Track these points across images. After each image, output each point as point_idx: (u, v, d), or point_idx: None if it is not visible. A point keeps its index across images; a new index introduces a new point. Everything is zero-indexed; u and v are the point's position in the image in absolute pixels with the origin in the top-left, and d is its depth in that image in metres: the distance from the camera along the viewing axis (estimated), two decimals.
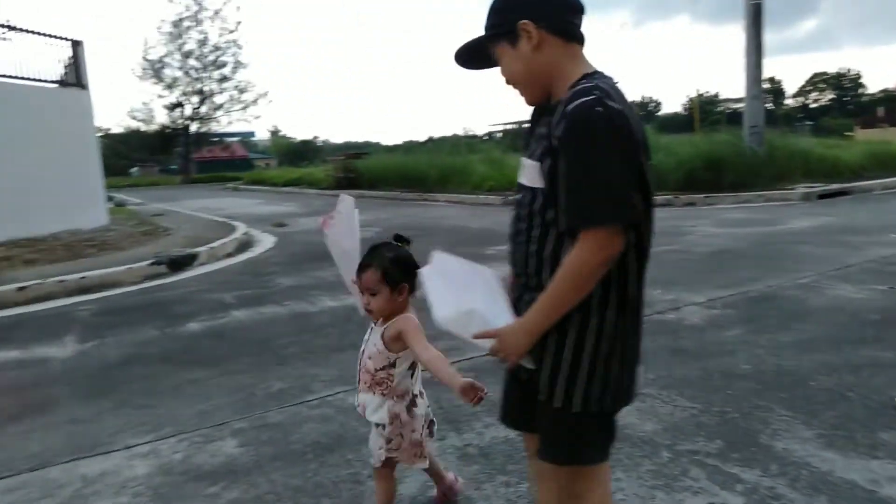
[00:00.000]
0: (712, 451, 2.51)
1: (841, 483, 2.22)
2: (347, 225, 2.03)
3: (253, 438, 2.83)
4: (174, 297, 6.04)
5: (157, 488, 2.43)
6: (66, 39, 11.21)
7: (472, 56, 1.54)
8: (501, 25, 1.42)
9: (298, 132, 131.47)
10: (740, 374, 3.35)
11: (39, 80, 10.78)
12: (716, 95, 72.16)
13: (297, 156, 65.42)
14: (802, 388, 3.11)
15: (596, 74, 1.38)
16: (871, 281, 5.24)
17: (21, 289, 6.14)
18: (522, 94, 1.48)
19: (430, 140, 42.69)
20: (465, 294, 1.47)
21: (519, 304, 1.49)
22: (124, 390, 3.53)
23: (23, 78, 10.39)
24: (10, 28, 9.90)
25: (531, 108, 1.53)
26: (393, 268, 1.88)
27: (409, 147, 35.65)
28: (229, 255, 8.59)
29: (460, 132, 49.73)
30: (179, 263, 7.53)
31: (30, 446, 2.87)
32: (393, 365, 1.94)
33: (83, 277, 6.57)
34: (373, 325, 2.00)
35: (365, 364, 1.97)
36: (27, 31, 10.34)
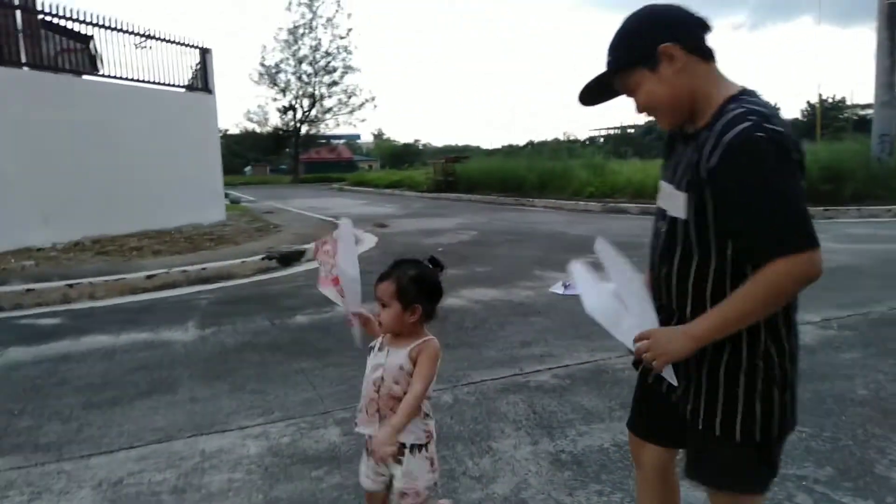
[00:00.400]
0: (821, 477, 2.39)
1: None
2: (349, 251, 1.94)
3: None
4: (284, 291, 6.40)
5: (268, 467, 2.62)
6: (196, 47, 12.09)
7: (598, 91, 1.51)
8: (639, 51, 1.38)
9: (401, 135, 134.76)
10: (857, 399, 3.16)
11: (171, 85, 11.70)
12: (841, 101, 67.23)
13: (399, 158, 66.95)
14: None
15: (743, 95, 1.35)
16: None
17: (149, 276, 6.71)
18: (661, 119, 1.44)
19: (531, 144, 42.52)
20: (621, 288, 1.47)
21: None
22: (239, 375, 3.80)
23: (157, 83, 11.33)
24: (149, 37, 10.80)
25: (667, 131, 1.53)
26: (410, 285, 1.77)
27: (509, 151, 35.68)
28: None
29: (561, 136, 49.22)
30: (289, 259, 7.96)
31: (156, 420, 3.15)
32: None
33: (203, 269, 7.09)
34: (386, 348, 1.83)
35: (390, 390, 1.77)
36: (162, 39, 11.24)
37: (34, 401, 3.46)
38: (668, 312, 1.45)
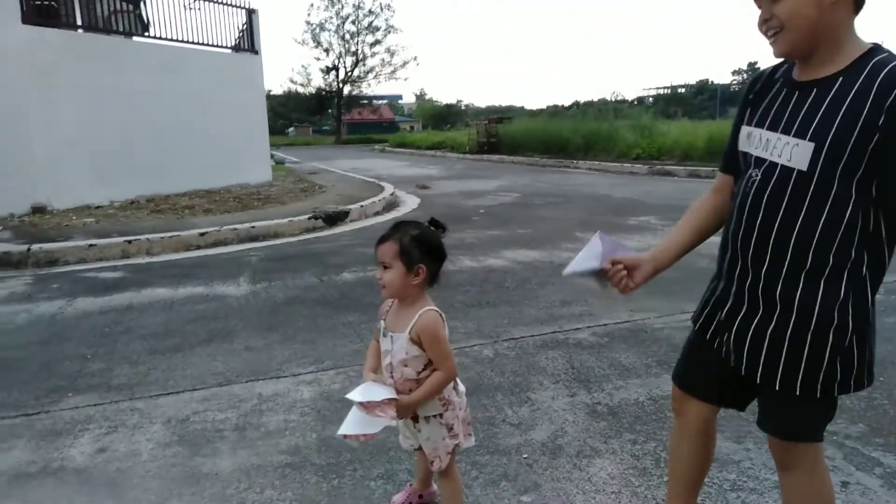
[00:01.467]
0: (853, 433, 2.45)
1: None
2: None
3: None
4: (330, 249, 6.60)
5: (320, 410, 2.80)
6: (242, 7, 12.23)
7: None
8: None
9: (443, 96, 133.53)
10: None
11: (218, 46, 11.90)
12: None
13: (441, 119, 66.66)
14: None
15: (883, 49, 1.30)
16: None
17: (202, 234, 6.99)
18: (784, 41, 1.33)
19: (576, 104, 41.72)
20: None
21: (733, 292, 1.47)
22: (290, 327, 4.01)
23: (204, 44, 11.54)
24: None
25: (758, 76, 1.50)
26: (412, 245, 1.70)
27: (554, 112, 35.10)
28: (378, 213, 9.16)
29: (608, 96, 48.11)
30: (334, 218, 8.16)
31: (216, 366, 3.38)
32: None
33: (252, 227, 7.34)
34: (389, 334, 1.77)
35: (403, 374, 1.73)
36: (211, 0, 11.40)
37: (104, 346, 3.73)
38: (744, 270, 1.43)
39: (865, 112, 1.24)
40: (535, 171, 16.80)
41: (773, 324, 1.40)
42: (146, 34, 11.55)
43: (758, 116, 1.45)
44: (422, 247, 1.72)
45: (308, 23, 44.55)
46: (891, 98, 1.22)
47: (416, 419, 1.80)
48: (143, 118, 9.90)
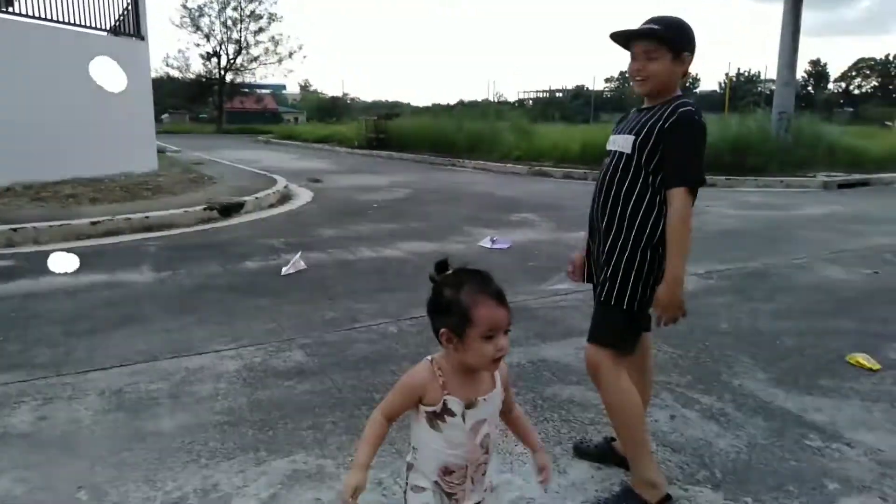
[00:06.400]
0: (682, 382, 3.15)
1: (777, 409, 2.86)
2: None
3: (315, 351, 3.53)
4: (229, 240, 6.76)
5: (246, 379, 3.14)
6: None
7: (623, 36, 2.11)
8: (676, 42, 2.03)
9: (328, 88, 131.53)
10: (720, 331, 3.97)
11: (99, 29, 11.41)
12: (756, 75, 70.85)
13: (327, 112, 65.85)
14: (769, 345, 3.72)
15: (684, 97, 2.09)
16: (859, 265, 5.78)
17: (94, 223, 6.90)
18: (645, 85, 2.08)
19: (461, 103, 42.89)
20: None
21: (596, 255, 2.22)
22: (203, 310, 4.25)
23: (84, 25, 11.04)
24: None
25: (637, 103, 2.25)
26: (428, 311, 1.52)
27: (439, 110, 35.93)
28: (272, 206, 9.31)
29: (491, 97, 49.81)
30: (229, 210, 8.25)
31: (137, 345, 3.59)
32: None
33: (147, 217, 7.31)
34: (477, 400, 1.50)
35: (493, 438, 1.55)
36: None
37: (14, 330, 3.81)
38: (595, 229, 2.21)
39: (659, 124, 2.03)
40: (424, 168, 17.39)
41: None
42: (9, 10, 10.84)
43: (617, 128, 2.24)
44: (432, 308, 1.50)
45: (185, 6, 42.39)
46: (671, 120, 2.02)
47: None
48: (16, 101, 9.38)
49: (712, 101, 51.65)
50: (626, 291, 2.07)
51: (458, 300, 1.44)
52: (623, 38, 2.11)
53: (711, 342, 3.75)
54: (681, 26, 2.08)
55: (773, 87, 17.19)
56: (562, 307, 4.43)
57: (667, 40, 2.03)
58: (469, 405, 1.48)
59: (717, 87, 72.17)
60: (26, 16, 10.22)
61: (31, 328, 3.85)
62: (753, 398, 2.98)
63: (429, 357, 1.53)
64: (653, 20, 2.07)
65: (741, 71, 74.51)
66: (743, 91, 60.67)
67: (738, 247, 6.63)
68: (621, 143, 2.12)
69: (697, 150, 2.02)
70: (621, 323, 2.10)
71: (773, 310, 4.43)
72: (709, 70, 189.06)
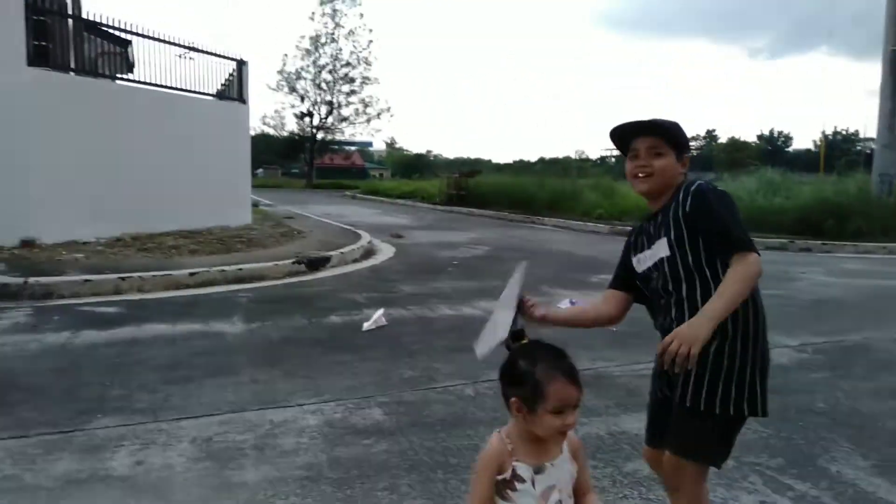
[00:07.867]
0: (773, 465, 2.99)
1: (880, 502, 2.65)
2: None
3: (393, 410, 3.59)
4: (315, 294, 7.03)
5: (326, 435, 3.23)
6: (233, 59, 12.82)
7: (626, 131, 2.04)
8: (681, 143, 2.03)
9: (413, 145, 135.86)
10: (816, 411, 3.74)
11: (207, 94, 12.42)
12: (854, 133, 67.73)
13: (411, 168, 67.70)
14: (870, 428, 3.48)
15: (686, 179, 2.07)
16: None
17: (192, 274, 7.35)
18: (650, 183, 2.00)
19: (542, 161, 43.23)
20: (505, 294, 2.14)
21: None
22: (288, 363, 4.42)
23: (194, 91, 12.05)
24: (193, 49, 11.54)
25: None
26: (501, 383, 1.64)
27: (520, 167, 36.31)
28: (356, 261, 9.62)
29: (572, 154, 49.90)
30: (316, 264, 8.60)
31: (227, 396, 3.77)
32: None
33: (240, 269, 7.73)
34: (545, 465, 1.53)
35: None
36: (204, 51, 11.97)
37: (119, 375, 4.08)
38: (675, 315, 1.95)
39: (681, 211, 1.93)
40: (503, 225, 17.52)
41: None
42: (130, 76, 11.95)
43: (637, 247, 2.11)
44: (506, 376, 1.61)
45: (280, 72, 45.25)
46: (688, 201, 1.92)
47: None
48: (129, 158, 10.25)
49: (807, 161, 49.69)
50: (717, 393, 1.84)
51: (531, 373, 1.50)
52: (626, 134, 2.05)
53: (806, 422, 3.54)
54: (681, 128, 2.05)
55: (873, 147, 16.44)
56: (643, 375, 4.31)
57: (672, 137, 2.01)
58: (537, 470, 1.51)
59: (811, 146, 69.39)
60: (141, 82, 11.25)
61: (133, 374, 4.12)
62: (853, 487, 2.78)
63: (497, 430, 1.58)
64: (652, 119, 2.04)
65: (838, 129, 71.58)
66: (840, 150, 58.07)
67: (835, 318, 6.26)
68: (656, 251, 1.98)
69: (731, 210, 1.87)
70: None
71: (874, 389, 4.14)
72: (802, 129, 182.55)
